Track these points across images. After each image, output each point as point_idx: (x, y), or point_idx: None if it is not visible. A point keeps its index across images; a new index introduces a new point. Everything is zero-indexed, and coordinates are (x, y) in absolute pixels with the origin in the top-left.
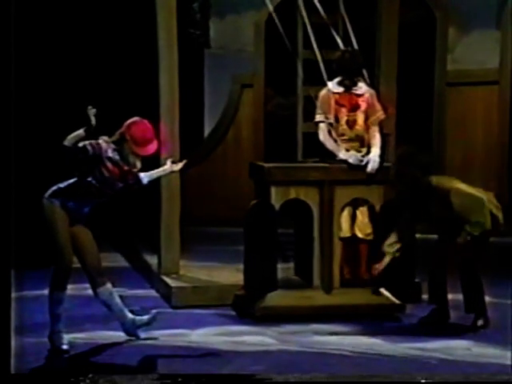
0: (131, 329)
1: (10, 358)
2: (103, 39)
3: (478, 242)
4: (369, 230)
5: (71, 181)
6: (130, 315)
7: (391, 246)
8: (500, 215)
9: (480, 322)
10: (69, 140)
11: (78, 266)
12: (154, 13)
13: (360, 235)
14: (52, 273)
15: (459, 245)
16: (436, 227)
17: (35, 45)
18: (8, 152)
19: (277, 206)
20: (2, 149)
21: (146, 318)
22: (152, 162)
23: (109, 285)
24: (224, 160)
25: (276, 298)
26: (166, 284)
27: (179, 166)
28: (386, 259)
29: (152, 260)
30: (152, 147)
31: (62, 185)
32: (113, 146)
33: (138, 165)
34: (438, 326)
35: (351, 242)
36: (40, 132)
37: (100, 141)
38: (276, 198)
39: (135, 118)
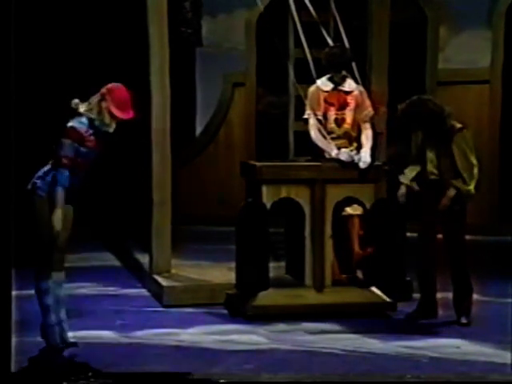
0: (49, 332)
1: (10, 357)
2: (94, 38)
3: (457, 213)
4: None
5: (48, 167)
6: (54, 318)
7: (406, 175)
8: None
9: (464, 320)
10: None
11: (66, 265)
12: (145, 11)
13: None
14: (36, 263)
15: (443, 205)
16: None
17: (25, 44)
18: (8, 152)
19: (268, 205)
20: (2, 149)
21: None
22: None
23: (63, 274)
24: (215, 159)
25: (267, 297)
26: (158, 283)
27: None
28: (403, 189)
29: (143, 259)
30: (130, 113)
31: (41, 174)
32: (85, 117)
33: (113, 126)
34: (425, 323)
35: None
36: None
37: (72, 123)
38: (267, 196)
39: (116, 83)
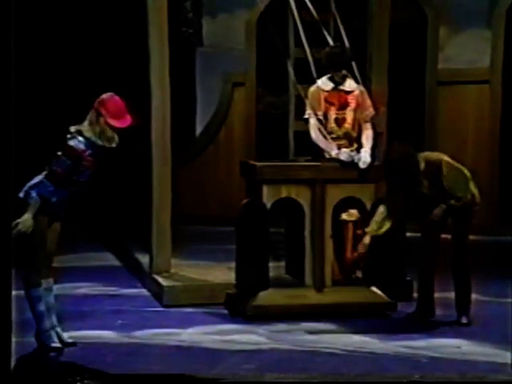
0: (45, 337)
1: (10, 357)
2: (94, 38)
3: (459, 220)
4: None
5: (40, 177)
6: (48, 324)
7: (373, 225)
8: (477, 193)
9: (464, 320)
10: None
11: (66, 265)
12: (145, 11)
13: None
14: (25, 271)
15: (435, 215)
16: (423, 210)
17: (25, 44)
18: (8, 152)
19: (268, 205)
20: (2, 150)
21: (65, 336)
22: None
23: (51, 280)
24: (215, 159)
25: (267, 297)
26: (158, 283)
27: None
28: (366, 239)
29: (143, 259)
30: (128, 119)
31: (33, 183)
32: (82, 137)
33: (116, 138)
34: (425, 323)
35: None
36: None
37: (72, 143)
38: (267, 196)
39: (107, 94)
